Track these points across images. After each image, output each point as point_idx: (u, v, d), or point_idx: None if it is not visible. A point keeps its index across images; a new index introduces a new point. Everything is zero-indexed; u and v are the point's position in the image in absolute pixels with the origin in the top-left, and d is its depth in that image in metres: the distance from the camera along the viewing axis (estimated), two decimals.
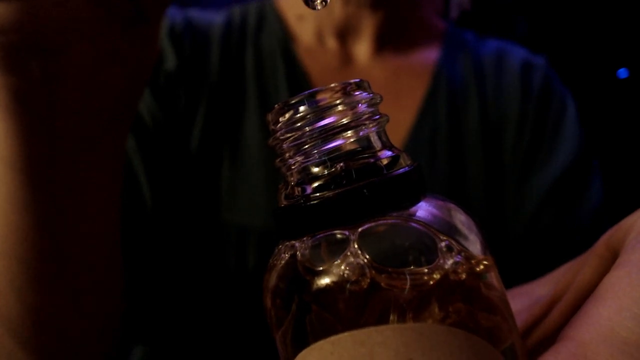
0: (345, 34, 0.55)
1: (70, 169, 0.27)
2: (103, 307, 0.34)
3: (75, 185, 0.28)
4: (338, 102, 0.18)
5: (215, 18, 0.55)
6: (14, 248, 0.28)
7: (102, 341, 0.35)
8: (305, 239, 0.18)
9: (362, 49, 0.55)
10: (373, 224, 0.17)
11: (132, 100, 0.28)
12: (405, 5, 0.57)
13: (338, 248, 0.17)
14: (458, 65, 0.56)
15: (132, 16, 0.24)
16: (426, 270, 0.16)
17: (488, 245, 0.19)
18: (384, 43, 0.56)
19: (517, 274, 0.37)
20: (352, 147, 0.18)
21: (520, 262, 0.50)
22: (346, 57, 0.55)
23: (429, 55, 0.57)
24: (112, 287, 0.34)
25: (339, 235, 0.17)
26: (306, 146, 0.18)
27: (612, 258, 0.20)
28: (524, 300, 0.26)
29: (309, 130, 0.18)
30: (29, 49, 0.22)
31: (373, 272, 0.16)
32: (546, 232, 0.51)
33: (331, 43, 0.55)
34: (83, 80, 0.24)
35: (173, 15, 0.53)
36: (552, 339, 0.19)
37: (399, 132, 0.52)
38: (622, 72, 1.43)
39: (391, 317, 0.16)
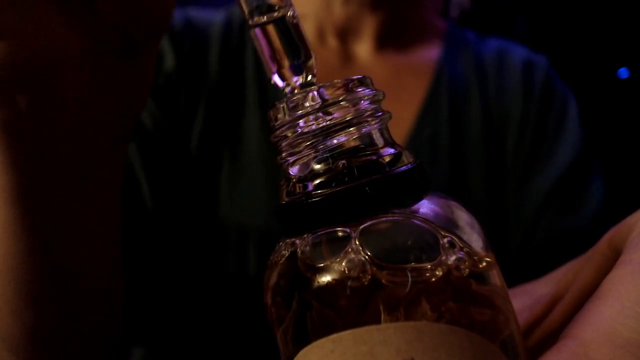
0: (346, 33, 0.55)
1: (65, 195, 0.26)
2: (104, 321, 0.34)
3: (72, 210, 0.27)
4: (340, 98, 0.18)
5: (215, 17, 0.55)
6: (11, 271, 0.28)
7: (102, 348, 0.35)
8: (305, 236, 0.18)
9: (363, 48, 0.55)
10: (375, 221, 0.17)
11: (127, 126, 0.27)
12: (406, 4, 0.57)
13: (339, 245, 0.17)
14: (459, 64, 0.56)
15: (123, 47, 0.24)
16: (429, 267, 0.16)
17: (490, 242, 0.19)
18: (385, 42, 0.55)
19: (518, 273, 0.37)
20: (355, 144, 0.18)
21: (522, 261, 0.50)
22: (347, 56, 0.55)
23: (430, 54, 0.57)
24: (113, 301, 0.34)
25: (340, 233, 0.17)
26: (308, 143, 0.18)
27: (614, 257, 0.20)
28: (525, 299, 0.26)
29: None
30: (15, 83, 0.22)
31: (374, 268, 0.16)
32: (547, 232, 0.50)
33: (332, 42, 0.54)
34: (74, 111, 0.24)
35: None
36: (553, 337, 0.19)
37: (400, 131, 0.52)
38: (623, 72, 1.43)
39: (392, 315, 0.16)
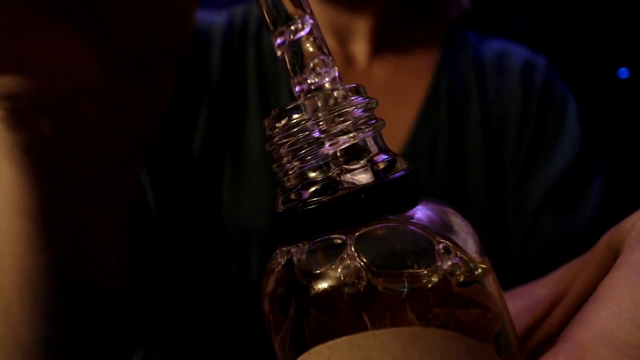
0: (341, 34, 0.55)
1: (82, 211, 0.27)
2: (112, 325, 0.34)
3: (88, 225, 0.28)
4: (335, 108, 0.18)
5: (216, 19, 0.55)
6: (29, 284, 0.28)
7: (109, 349, 0.36)
8: (301, 243, 0.18)
9: (361, 49, 0.55)
10: (370, 227, 0.17)
11: (143, 144, 0.28)
12: (392, 4, 0.57)
13: (335, 252, 0.17)
14: (459, 64, 0.56)
15: (140, 71, 0.24)
16: (425, 272, 0.16)
17: (485, 248, 0.19)
18: (382, 43, 0.56)
19: (518, 274, 0.37)
20: None
21: (522, 261, 0.50)
22: (346, 58, 0.55)
23: (429, 55, 0.57)
24: (121, 304, 0.35)
25: (335, 240, 0.17)
26: (303, 151, 0.18)
27: (613, 258, 0.20)
28: (525, 301, 0.26)
29: (305, 136, 0.18)
30: (35, 110, 0.22)
31: (369, 275, 0.16)
32: (547, 232, 0.50)
33: (331, 44, 0.55)
34: (92, 133, 0.24)
35: None
36: (553, 339, 0.19)
37: (399, 131, 0.52)
38: (623, 72, 1.43)
39: (388, 321, 0.16)
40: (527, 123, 0.53)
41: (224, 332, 0.48)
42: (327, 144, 0.18)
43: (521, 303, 0.26)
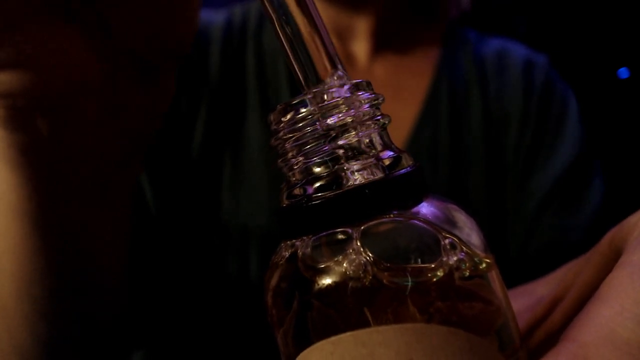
0: (342, 33, 0.55)
1: (79, 213, 0.27)
2: (112, 325, 0.34)
3: (86, 227, 0.28)
4: (340, 102, 0.18)
5: (215, 18, 0.55)
6: (27, 288, 0.28)
7: (110, 349, 0.35)
8: (306, 238, 0.18)
9: (361, 48, 0.55)
10: (375, 222, 0.17)
11: (142, 145, 0.28)
12: (401, 4, 0.57)
13: (340, 246, 0.17)
14: (460, 63, 0.56)
15: (140, 71, 0.24)
16: (432, 267, 0.16)
17: (489, 245, 0.19)
18: (383, 42, 0.56)
19: (518, 273, 0.37)
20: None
21: (522, 261, 0.50)
22: (346, 57, 0.55)
23: (430, 54, 0.57)
24: (121, 305, 0.35)
25: (340, 234, 0.17)
26: (308, 146, 0.18)
27: (614, 257, 0.20)
28: (525, 300, 0.26)
29: (311, 131, 0.18)
30: (35, 109, 0.22)
31: (375, 269, 0.16)
32: (547, 231, 0.51)
33: None
34: (91, 133, 0.24)
35: None
36: (554, 339, 0.19)
37: (400, 130, 0.52)
38: (623, 72, 1.43)
39: (390, 315, 0.16)
40: (528, 122, 0.53)
41: (223, 331, 0.48)
42: (332, 139, 0.18)
43: (521, 302, 0.26)
